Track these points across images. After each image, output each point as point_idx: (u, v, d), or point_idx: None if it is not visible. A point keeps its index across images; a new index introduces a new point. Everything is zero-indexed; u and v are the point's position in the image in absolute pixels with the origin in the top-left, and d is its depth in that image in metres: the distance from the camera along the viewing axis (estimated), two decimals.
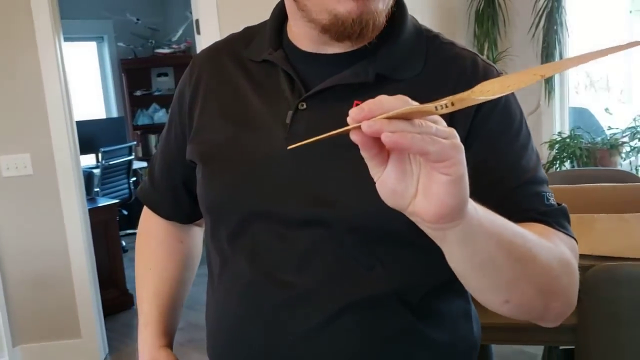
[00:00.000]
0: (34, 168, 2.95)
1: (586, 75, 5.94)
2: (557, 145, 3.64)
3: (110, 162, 5.04)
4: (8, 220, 2.96)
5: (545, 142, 3.78)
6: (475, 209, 0.58)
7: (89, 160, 5.30)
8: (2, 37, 2.83)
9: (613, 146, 3.55)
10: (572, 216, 0.80)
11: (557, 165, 3.63)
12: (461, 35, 4.08)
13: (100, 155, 5.07)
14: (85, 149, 3.76)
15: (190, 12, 3.85)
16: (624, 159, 3.65)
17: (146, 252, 1.07)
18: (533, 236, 0.67)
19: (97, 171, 4.91)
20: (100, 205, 3.83)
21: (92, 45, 6.38)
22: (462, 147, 0.53)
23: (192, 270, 1.10)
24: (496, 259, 0.62)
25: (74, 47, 5.82)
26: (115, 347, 3.32)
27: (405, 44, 0.82)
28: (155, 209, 1.06)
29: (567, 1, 3.77)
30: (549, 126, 3.92)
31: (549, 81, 3.74)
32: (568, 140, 3.61)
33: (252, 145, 0.82)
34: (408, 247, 0.76)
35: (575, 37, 3.87)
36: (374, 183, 0.59)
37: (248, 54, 0.88)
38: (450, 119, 0.72)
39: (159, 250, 1.05)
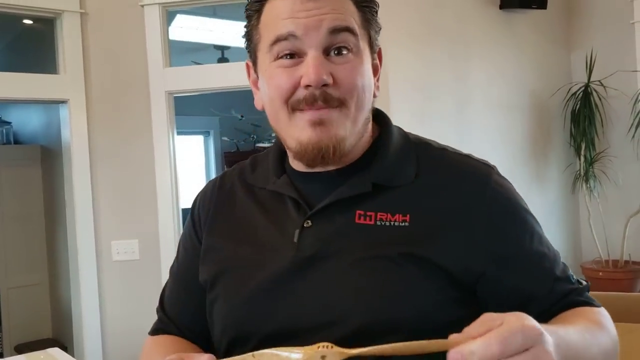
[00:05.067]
0: (141, 253, 3.14)
1: None
2: None
3: None
4: (114, 301, 3.14)
5: None
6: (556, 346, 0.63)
7: None
8: (123, 135, 3.13)
9: None
10: None
11: None
12: (557, 135, 4.06)
13: None
14: None
15: None
16: None
17: None
18: (590, 337, 0.75)
19: None
20: None
21: (199, 139, 6.85)
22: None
23: None
24: None
25: (183, 140, 6.25)
26: None
27: (394, 154, 0.89)
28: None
29: None
30: None
31: None
32: None
33: (263, 265, 0.86)
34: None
35: None
36: (372, 295, 0.75)
37: (254, 181, 0.96)
38: (465, 255, 0.81)
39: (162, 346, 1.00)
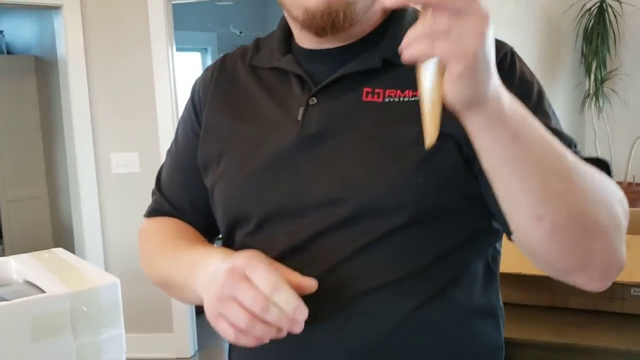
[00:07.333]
0: (141, 166, 3.10)
1: None
2: None
3: None
4: (114, 214, 3.13)
5: None
6: (500, 101, 0.58)
7: None
8: (120, 45, 3.02)
9: None
10: None
11: None
12: (568, 53, 3.95)
13: None
14: None
15: None
16: None
17: (150, 245, 0.96)
18: (579, 162, 0.65)
19: None
20: None
21: (196, 56, 6.67)
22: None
23: None
24: (526, 159, 0.60)
25: (179, 57, 6.11)
26: (204, 344, 3.42)
27: (406, 30, 0.82)
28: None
29: None
30: None
31: None
32: None
33: (266, 143, 0.83)
34: (411, 224, 0.76)
35: None
36: (383, 172, 0.73)
37: (257, 62, 0.91)
38: None
39: (166, 231, 0.95)
